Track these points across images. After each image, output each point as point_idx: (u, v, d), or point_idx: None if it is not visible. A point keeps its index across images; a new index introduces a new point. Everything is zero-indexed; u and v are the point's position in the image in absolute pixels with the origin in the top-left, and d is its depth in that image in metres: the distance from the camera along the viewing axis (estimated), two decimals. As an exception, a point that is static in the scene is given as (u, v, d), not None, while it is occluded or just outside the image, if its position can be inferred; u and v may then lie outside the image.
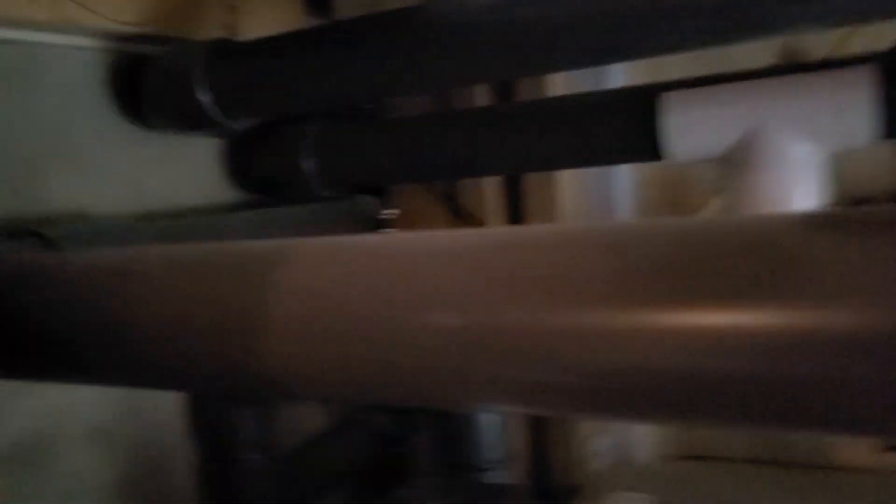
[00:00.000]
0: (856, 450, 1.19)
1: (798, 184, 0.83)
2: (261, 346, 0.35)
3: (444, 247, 0.34)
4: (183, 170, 1.13)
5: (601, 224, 0.29)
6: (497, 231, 0.34)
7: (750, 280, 0.28)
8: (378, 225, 1.28)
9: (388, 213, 1.33)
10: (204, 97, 0.92)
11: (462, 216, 1.28)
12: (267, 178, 1.18)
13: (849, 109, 0.81)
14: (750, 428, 0.33)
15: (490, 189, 1.28)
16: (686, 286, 0.29)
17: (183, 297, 0.38)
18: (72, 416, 0.95)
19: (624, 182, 1.36)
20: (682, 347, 0.28)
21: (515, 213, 1.25)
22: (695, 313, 0.28)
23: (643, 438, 1.36)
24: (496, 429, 0.82)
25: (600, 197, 1.33)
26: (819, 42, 1.06)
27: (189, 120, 0.96)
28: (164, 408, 1.08)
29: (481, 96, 1.25)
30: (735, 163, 0.85)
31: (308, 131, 1.12)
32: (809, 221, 0.30)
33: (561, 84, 1.22)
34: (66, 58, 0.97)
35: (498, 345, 0.31)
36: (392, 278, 0.34)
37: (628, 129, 0.90)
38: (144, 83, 0.99)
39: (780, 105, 0.86)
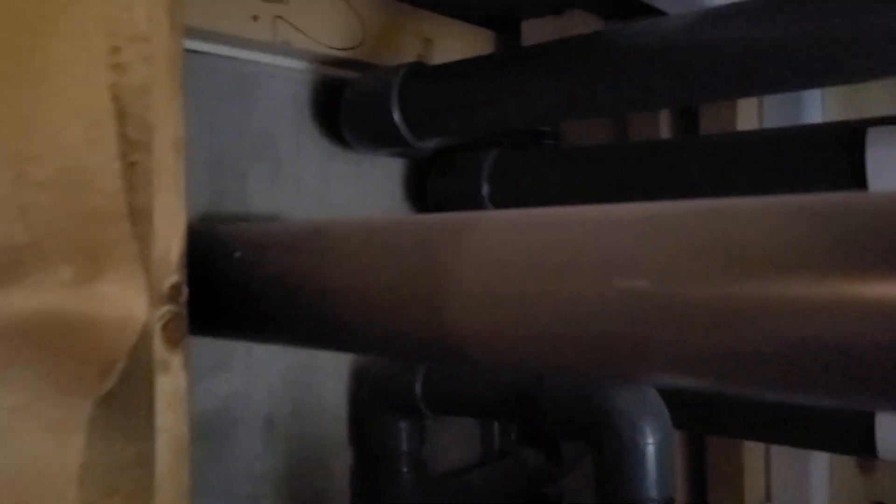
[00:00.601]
0: None
1: None
2: (445, 310, 0.36)
3: (633, 215, 0.33)
4: (366, 187, 1.20)
5: (803, 196, 0.28)
6: (690, 202, 0.34)
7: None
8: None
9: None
10: (395, 116, 0.98)
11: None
12: (441, 201, 1.22)
13: None
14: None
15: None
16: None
17: (373, 260, 0.40)
18: (249, 403, 1.02)
19: None
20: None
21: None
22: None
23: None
24: (664, 461, 0.78)
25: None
26: None
27: (381, 138, 1.02)
28: (329, 410, 1.14)
29: (665, 127, 1.23)
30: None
31: (485, 157, 1.15)
32: None
33: (749, 117, 1.18)
34: (275, 76, 1.07)
35: (688, 312, 0.30)
36: (578, 244, 0.34)
37: (830, 164, 0.85)
38: (343, 103, 1.07)
39: None
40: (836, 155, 0.84)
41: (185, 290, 0.44)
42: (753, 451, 1.22)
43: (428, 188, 1.22)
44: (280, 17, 1.01)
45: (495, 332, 0.36)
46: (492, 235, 0.37)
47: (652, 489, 0.80)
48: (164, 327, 0.43)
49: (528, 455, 1.37)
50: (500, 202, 1.14)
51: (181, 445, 0.43)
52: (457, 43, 1.29)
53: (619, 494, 0.80)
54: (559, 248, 0.35)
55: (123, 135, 0.41)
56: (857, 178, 0.81)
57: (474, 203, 1.15)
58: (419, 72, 1.01)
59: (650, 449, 0.81)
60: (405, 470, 1.15)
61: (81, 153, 0.39)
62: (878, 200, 0.28)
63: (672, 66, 0.79)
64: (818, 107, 1.20)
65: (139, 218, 0.42)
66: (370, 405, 1.14)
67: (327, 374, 1.14)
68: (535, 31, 1.29)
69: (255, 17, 0.99)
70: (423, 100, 0.98)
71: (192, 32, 0.94)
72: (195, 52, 0.97)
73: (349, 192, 1.17)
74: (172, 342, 0.44)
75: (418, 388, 1.05)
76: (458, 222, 0.39)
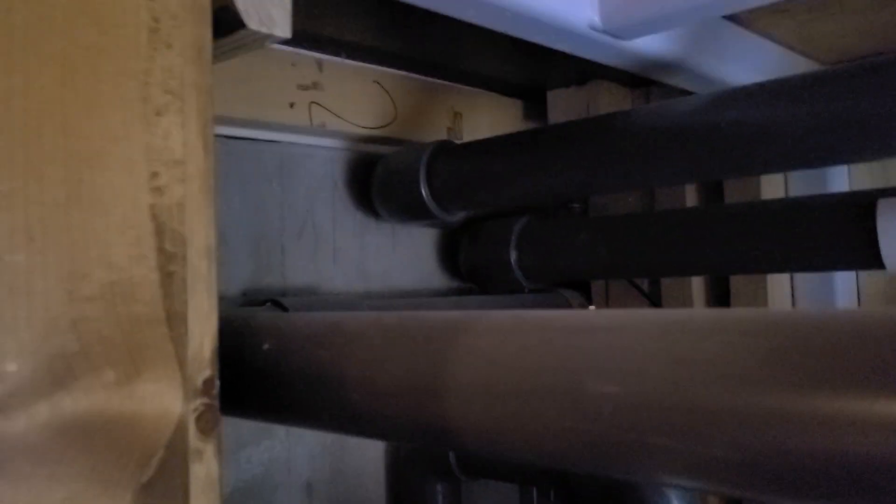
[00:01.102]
0: None
1: None
2: (443, 402, 0.40)
3: (614, 322, 0.37)
4: (401, 257, 1.25)
5: (777, 310, 0.31)
6: (676, 312, 0.37)
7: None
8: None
9: (591, 307, 1.35)
10: (423, 192, 1.03)
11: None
12: (475, 268, 1.26)
13: None
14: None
15: (696, 287, 1.26)
16: (854, 372, 0.30)
17: (381, 353, 0.45)
18: (290, 469, 1.07)
19: (846, 293, 1.28)
20: (852, 432, 0.29)
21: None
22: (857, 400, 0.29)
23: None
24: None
25: (818, 305, 1.26)
26: None
27: (410, 211, 1.07)
28: (368, 473, 1.17)
29: (690, 195, 1.26)
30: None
31: (514, 226, 1.19)
32: None
33: (775, 186, 1.20)
34: (313, 156, 1.14)
35: (660, 418, 0.33)
36: (561, 348, 0.37)
37: (846, 234, 0.86)
38: (375, 178, 1.13)
39: None
40: (852, 224, 0.85)
41: (217, 383, 0.49)
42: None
43: (460, 256, 1.26)
44: (315, 102, 1.08)
45: (488, 425, 0.39)
46: (486, 336, 0.41)
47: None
48: (198, 419, 0.48)
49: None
50: (529, 268, 1.18)
51: (213, 528, 0.47)
52: (485, 114, 1.34)
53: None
54: (545, 351, 0.38)
55: (161, 248, 0.46)
56: (871, 247, 0.82)
57: (503, 269, 1.19)
58: (446, 149, 1.06)
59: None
60: (441, 532, 1.17)
61: (125, 268, 0.45)
62: (847, 318, 0.31)
63: (692, 146, 0.82)
64: (844, 176, 1.22)
65: (175, 321, 0.47)
66: (407, 469, 1.18)
67: (365, 440, 1.17)
68: (560, 101, 1.34)
69: (291, 105, 1.06)
70: (450, 176, 1.03)
71: (236, 122, 1.02)
72: (240, 138, 1.05)
73: (385, 262, 1.22)
74: (205, 432, 0.48)
75: (452, 454, 1.08)
76: (457, 322, 0.43)
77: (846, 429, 0.29)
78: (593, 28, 0.87)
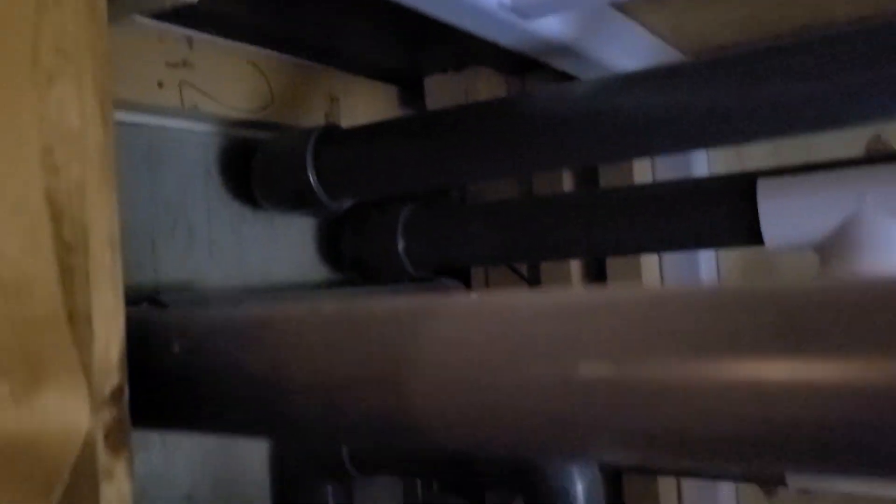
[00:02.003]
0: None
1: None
2: (409, 398, 0.37)
3: (584, 301, 0.35)
4: (281, 248, 1.19)
5: (723, 285, 0.31)
6: (641, 289, 0.36)
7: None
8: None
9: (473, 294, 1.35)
10: (311, 178, 0.98)
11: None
12: (357, 258, 1.22)
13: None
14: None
15: (575, 271, 1.29)
16: (815, 339, 0.30)
17: (330, 352, 0.40)
18: (167, 482, 0.98)
19: (709, 268, 1.36)
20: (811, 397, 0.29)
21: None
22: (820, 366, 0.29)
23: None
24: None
25: (685, 282, 1.33)
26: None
27: (296, 199, 1.02)
28: (251, 479, 1.10)
29: (567, 180, 1.28)
30: (834, 249, 0.85)
31: (400, 214, 1.16)
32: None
33: (644, 169, 1.25)
34: (185, 142, 1.05)
35: (633, 394, 0.32)
36: (530, 330, 0.35)
37: (723, 215, 0.91)
38: (255, 165, 1.06)
39: (878, 192, 0.86)
40: (731, 206, 0.90)
41: (126, 392, 0.43)
42: (667, 488, 1.27)
43: (343, 247, 1.21)
44: (186, 82, 1.00)
45: (459, 417, 0.36)
46: (452, 322, 0.38)
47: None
48: (108, 434, 0.41)
49: (454, 507, 1.37)
50: (416, 256, 1.16)
51: (129, 555, 0.41)
52: (362, 100, 1.30)
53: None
54: (514, 334, 0.36)
55: (59, 237, 0.40)
56: (751, 229, 0.87)
57: (391, 258, 1.16)
58: (332, 133, 1.01)
59: (579, 493, 0.83)
60: (334, 535, 1.13)
61: (18, 260, 0.38)
62: (828, 287, 0.31)
63: (576, 133, 0.83)
64: (704, 160, 1.29)
65: (77, 322, 0.40)
66: (294, 471, 1.12)
67: (250, 442, 1.10)
68: (437, 87, 1.32)
69: (160, 84, 0.97)
70: (338, 162, 0.98)
71: (95, 101, 0.91)
72: (98, 120, 0.94)
73: (264, 254, 1.15)
74: (115, 448, 0.42)
75: (345, 451, 1.04)
76: (416, 309, 0.40)
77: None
78: (502, 6, 0.87)
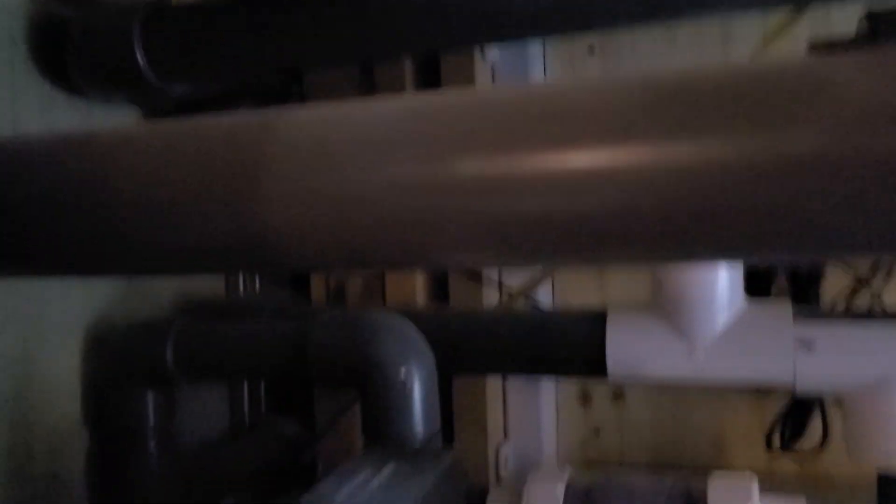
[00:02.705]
0: (747, 452, 1.27)
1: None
2: (260, 210, 0.35)
3: (435, 104, 0.35)
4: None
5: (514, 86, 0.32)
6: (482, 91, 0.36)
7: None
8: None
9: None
10: (139, 57, 0.90)
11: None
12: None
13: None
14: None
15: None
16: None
17: (171, 169, 0.37)
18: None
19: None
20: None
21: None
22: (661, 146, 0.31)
23: (548, 447, 1.38)
24: (429, 399, 0.82)
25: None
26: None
27: (121, 81, 0.93)
28: (61, 388, 1.02)
29: (409, 75, 1.25)
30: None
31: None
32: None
33: (484, 70, 1.25)
34: (-15, 7, 0.92)
35: (489, 189, 0.32)
36: (386, 134, 0.34)
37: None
38: (71, 41, 0.95)
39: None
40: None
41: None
42: (494, 394, 1.33)
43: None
44: (-11, -66, 0.87)
45: (315, 228, 0.35)
46: (303, 128, 0.36)
47: (418, 425, 0.83)
48: None
49: (281, 424, 1.35)
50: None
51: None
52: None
53: (388, 434, 0.82)
54: (368, 137, 0.35)
55: None
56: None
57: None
58: (162, 9, 0.93)
59: (416, 388, 0.84)
60: (153, 445, 1.07)
61: None
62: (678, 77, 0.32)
63: (418, 12, 0.81)
64: (540, 66, 1.33)
65: None
66: (110, 378, 1.04)
67: (55, 347, 1.01)
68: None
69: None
70: (170, 39, 0.91)
71: None
72: None
73: (78, 145, 1.04)
74: None
75: (169, 354, 0.98)
76: (262, 120, 0.37)
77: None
78: None
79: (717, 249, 0.31)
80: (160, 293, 1.15)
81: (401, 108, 0.35)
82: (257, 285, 1.34)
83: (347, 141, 0.34)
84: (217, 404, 1.30)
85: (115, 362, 1.02)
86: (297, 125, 0.35)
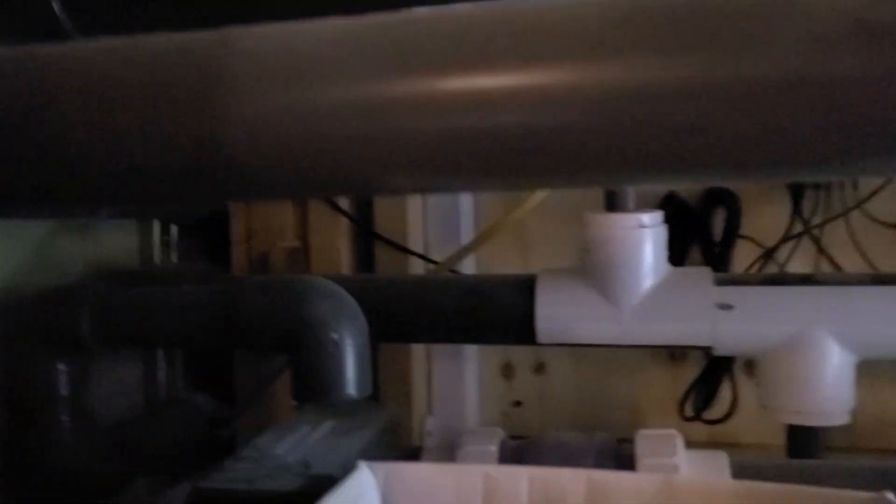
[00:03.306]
0: (663, 420, 1.32)
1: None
2: (221, 126, 0.33)
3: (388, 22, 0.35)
4: None
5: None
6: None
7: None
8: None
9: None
10: (57, 7, 0.85)
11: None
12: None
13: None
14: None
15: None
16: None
17: (123, 86, 0.35)
18: None
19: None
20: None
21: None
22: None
23: (471, 419, 1.40)
24: (362, 362, 0.81)
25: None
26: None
27: (27, 24, 0.87)
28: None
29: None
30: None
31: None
32: None
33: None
34: None
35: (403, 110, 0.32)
36: (336, 51, 0.34)
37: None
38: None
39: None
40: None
41: None
42: (419, 367, 1.33)
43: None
44: None
45: (277, 143, 0.34)
46: (265, 41, 0.35)
47: (352, 389, 0.83)
48: None
49: (199, 399, 1.31)
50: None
51: None
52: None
53: (321, 394, 0.81)
54: (337, 50, 0.34)
55: None
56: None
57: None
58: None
59: (349, 351, 0.83)
60: (64, 419, 1.02)
61: None
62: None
63: None
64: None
65: None
66: (18, 347, 0.99)
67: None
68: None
69: None
70: (90, -12, 0.86)
71: None
72: None
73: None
74: None
75: (86, 321, 0.93)
76: (220, 35, 0.36)
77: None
78: None
79: (685, 171, 0.32)
80: (71, 263, 1.10)
81: (369, 23, 0.34)
82: (174, 256, 1.30)
83: (312, 56, 0.33)
84: (133, 378, 1.25)
85: (25, 331, 0.97)
86: (258, 38, 0.34)
